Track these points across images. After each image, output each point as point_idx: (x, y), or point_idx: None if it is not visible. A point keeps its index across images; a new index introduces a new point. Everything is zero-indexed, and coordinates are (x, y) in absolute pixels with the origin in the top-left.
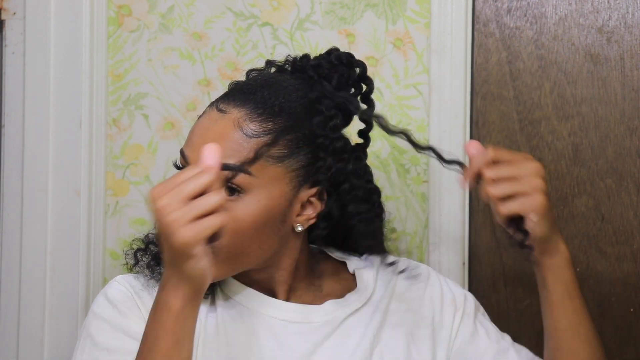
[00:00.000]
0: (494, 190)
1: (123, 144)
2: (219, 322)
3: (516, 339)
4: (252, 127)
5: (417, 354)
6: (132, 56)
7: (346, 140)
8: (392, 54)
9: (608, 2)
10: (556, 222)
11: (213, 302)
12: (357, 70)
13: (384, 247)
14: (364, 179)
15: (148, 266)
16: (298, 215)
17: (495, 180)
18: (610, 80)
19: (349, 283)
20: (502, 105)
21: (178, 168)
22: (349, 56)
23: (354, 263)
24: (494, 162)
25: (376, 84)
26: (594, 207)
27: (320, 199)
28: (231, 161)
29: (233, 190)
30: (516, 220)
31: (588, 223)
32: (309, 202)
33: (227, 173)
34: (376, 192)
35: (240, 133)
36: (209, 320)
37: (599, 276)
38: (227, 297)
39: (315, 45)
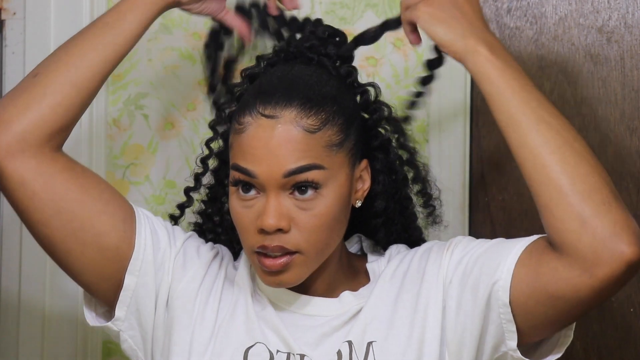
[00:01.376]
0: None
1: (123, 144)
2: (236, 301)
3: None
4: (310, 122)
5: (399, 315)
6: (132, 56)
7: (383, 109)
8: (392, 54)
9: (608, 2)
10: (466, 27)
11: (241, 281)
12: (340, 38)
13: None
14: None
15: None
16: (355, 192)
17: None
18: (610, 80)
19: (366, 277)
20: None
21: (235, 184)
22: (330, 27)
23: (371, 257)
24: None
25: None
26: None
27: (368, 171)
28: (302, 162)
29: (307, 188)
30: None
31: None
32: (360, 177)
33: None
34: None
35: (303, 132)
36: (231, 294)
37: None
38: (253, 286)
39: None
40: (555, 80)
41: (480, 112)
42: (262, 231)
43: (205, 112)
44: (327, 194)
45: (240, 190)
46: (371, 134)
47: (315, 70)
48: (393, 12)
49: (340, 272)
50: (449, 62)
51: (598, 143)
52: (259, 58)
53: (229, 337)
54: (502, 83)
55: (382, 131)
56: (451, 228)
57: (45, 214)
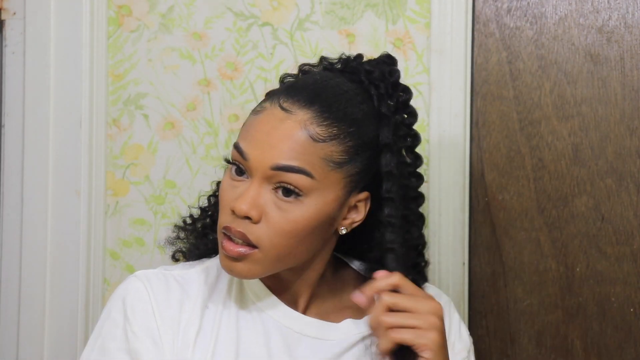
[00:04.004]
0: (387, 318)
1: (123, 144)
2: (232, 324)
3: (516, 338)
4: (319, 130)
5: None
6: (132, 56)
7: (399, 151)
8: (392, 54)
9: (608, 2)
10: None
11: (229, 300)
12: (399, 85)
13: (407, 270)
14: (411, 198)
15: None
16: (344, 218)
17: (391, 308)
18: (610, 80)
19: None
20: (502, 105)
21: (230, 162)
22: (398, 74)
23: None
24: (395, 290)
25: None
26: (594, 207)
27: (366, 204)
28: (293, 163)
29: (291, 192)
30: (402, 354)
31: (588, 223)
32: (355, 206)
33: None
34: (418, 217)
35: (307, 136)
36: (224, 320)
37: (599, 276)
38: (246, 299)
39: (315, 45)
40: (555, 80)
41: (480, 112)
42: (233, 213)
43: (205, 112)
44: (308, 203)
45: (233, 171)
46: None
47: (355, 89)
48: (393, 12)
49: (326, 281)
50: (447, 62)
51: (598, 143)
52: (322, 58)
53: None
54: None
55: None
56: (451, 228)
57: None
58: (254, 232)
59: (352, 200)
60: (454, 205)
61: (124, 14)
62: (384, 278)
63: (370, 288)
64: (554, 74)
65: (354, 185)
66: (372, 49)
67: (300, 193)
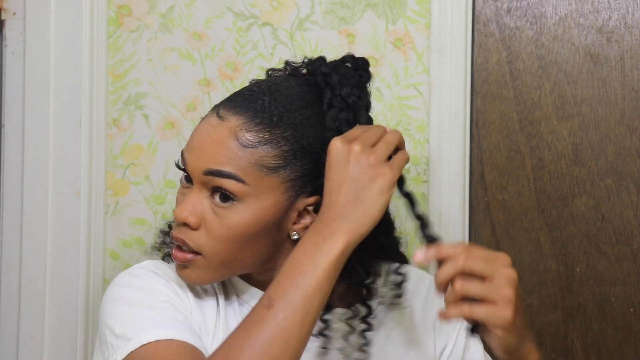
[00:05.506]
0: (461, 285)
1: (123, 144)
2: (224, 318)
3: None
4: (248, 136)
5: (419, 348)
6: (132, 56)
7: None
8: (392, 54)
9: (608, 2)
10: (527, 332)
11: (218, 295)
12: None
13: (386, 256)
14: None
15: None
16: (294, 223)
17: (466, 273)
18: (610, 80)
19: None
20: (502, 105)
21: (179, 168)
22: (361, 73)
23: None
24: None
25: (376, 84)
26: (594, 207)
27: (318, 208)
28: (223, 168)
29: (226, 197)
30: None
31: (588, 223)
32: (306, 210)
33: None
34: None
35: (236, 142)
36: (218, 316)
37: (599, 276)
38: (231, 296)
39: (315, 45)
40: (555, 80)
41: (480, 112)
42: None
43: (205, 112)
44: (243, 209)
45: (183, 179)
46: None
47: (301, 92)
48: (393, 12)
49: None
50: (447, 62)
51: (598, 143)
52: (286, 63)
53: None
54: None
55: None
56: (451, 228)
57: None
58: (194, 239)
59: (300, 205)
60: (454, 205)
61: (124, 14)
62: (454, 245)
63: (435, 252)
64: (554, 74)
65: (299, 190)
66: (372, 49)
67: (235, 198)
